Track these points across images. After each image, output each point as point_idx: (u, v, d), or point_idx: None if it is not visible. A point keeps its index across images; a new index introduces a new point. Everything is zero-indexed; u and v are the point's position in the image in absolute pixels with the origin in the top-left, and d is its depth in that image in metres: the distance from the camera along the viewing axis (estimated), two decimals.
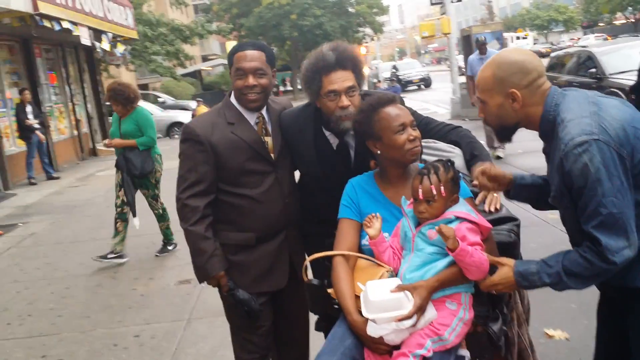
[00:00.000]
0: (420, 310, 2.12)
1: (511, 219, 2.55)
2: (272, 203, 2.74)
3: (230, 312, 2.90)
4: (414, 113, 2.62)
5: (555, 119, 2.09)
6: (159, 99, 28.04)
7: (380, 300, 2.12)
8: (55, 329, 5.00)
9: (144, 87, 35.58)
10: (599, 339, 2.47)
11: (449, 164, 2.28)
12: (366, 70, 43.14)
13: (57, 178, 13.45)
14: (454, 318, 2.19)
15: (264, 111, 2.82)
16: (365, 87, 3.48)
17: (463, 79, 17.27)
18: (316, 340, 2.37)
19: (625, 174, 1.97)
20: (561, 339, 3.89)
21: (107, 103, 6.13)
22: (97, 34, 15.49)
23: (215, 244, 2.70)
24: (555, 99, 2.12)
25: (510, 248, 2.48)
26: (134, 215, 6.45)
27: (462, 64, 17.13)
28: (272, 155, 2.78)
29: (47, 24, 12.38)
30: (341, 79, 2.59)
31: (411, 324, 2.11)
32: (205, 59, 50.17)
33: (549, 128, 2.12)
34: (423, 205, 2.23)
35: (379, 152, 2.44)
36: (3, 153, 12.48)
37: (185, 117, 22.41)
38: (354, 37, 41.75)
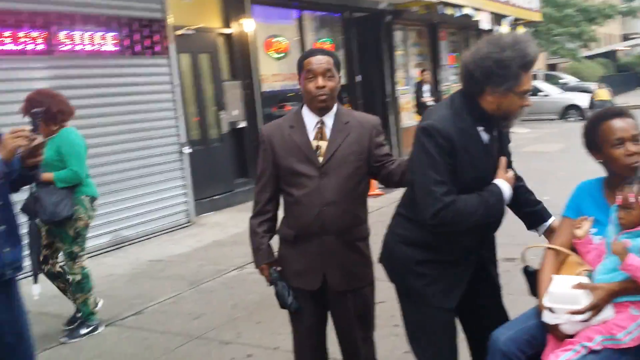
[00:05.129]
0: (594, 309, 2.31)
1: None
2: (309, 207, 2.83)
3: None
4: None
5: None
6: (560, 80, 27.51)
7: (559, 292, 2.38)
8: None
9: (551, 67, 35.12)
10: None
11: None
12: None
13: None
14: (632, 323, 2.30)
15: (329, 117, 2.89)
16: None
17: None
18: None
19: None
20: None
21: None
22: (498, 17, 16.24)
23: (261, 240, 2.95)
24: None
25: None
26: (35, 281, 4.58)
27: None
28: (320, 159, 2.84)
29: (448, 11, 13.63)
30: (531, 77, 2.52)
31: (583, 319, 2.32)
32: (626, 38, 46.56)
33: None
34: (623, 211, 2.37)
35: (600, 161, 2.59)
36: (400, 125, 14.36)
37: (582, 100, 21.69)
38: None
